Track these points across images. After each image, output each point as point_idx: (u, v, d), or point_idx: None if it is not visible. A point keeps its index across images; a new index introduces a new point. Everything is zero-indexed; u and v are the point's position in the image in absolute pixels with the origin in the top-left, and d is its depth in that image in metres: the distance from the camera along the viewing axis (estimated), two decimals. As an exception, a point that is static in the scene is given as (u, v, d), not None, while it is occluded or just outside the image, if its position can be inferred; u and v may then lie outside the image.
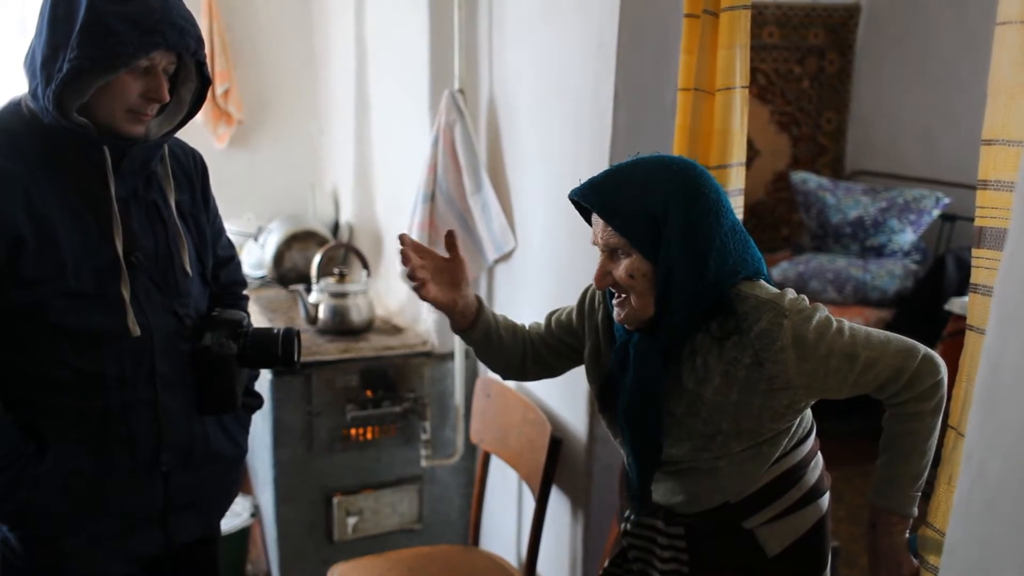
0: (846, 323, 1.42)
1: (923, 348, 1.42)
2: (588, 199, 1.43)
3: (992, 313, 0.90)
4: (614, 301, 1.47)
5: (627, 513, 1.63)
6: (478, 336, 1.64)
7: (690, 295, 1.39)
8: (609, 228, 1.41)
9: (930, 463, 1.45)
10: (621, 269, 1.41)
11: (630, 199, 1.40)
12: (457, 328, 1.64)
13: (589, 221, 1.51)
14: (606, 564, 1.71)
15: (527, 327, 1.73)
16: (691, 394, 1.45)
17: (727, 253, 1.41)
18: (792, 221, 5.00)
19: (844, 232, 4.32)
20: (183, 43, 1.44)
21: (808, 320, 1.39)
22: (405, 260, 1.57)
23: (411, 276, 1.56)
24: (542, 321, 1.73)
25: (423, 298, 1.57)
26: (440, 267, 1.60)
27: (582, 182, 1.46)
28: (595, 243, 1.46)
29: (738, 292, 1.43)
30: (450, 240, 1.61)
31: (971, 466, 0.94)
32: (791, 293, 1.43)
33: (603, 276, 1.44)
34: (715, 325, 1.42)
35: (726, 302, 1.41)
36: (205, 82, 1.58)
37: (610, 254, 1.43)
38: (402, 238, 1.59)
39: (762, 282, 1.47)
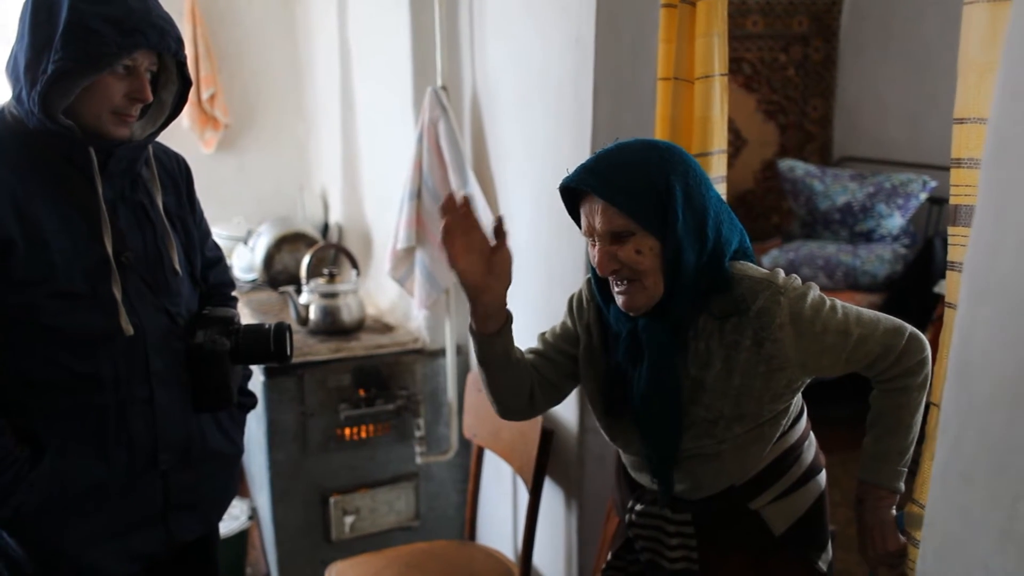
0: (838, 302, 1.44)
1: (909, 327, 1.45)
2: (586, 183, 1.39)
3: (962, 288, 0.91)
4: (617, 289, 1.43)
5: (630, 504, 1.62)
6: (500, 349, 1.50)
7: (695, 267, 1.39)
8: (611, 210, 1.37)
9: (916, 439, 1.48)
10: (628, 248, 1.38)
11: (631, 177, 1.37)
12: (481, 329, 1.48)
13: (573, 214, 1.48)
14: (609, 557, 1.70)
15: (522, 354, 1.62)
16: (693, 380, 1.46)
17: (721, 222, 1.42)
18: (782, 209, 5.02)
19: (833, 218, 4.33)
20: (164, 43, 1.46)
21: (803, 297, 1.41)
22: (444, 211, 1.42)
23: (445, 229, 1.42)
24: (534, 344, 1.63)
25: (452, 264, 1.43)
26: (483, 250, 1.44)
27: (569, 171, 1.42)
28: (589, 234, 1.42)
29: (733, 272, 1.44)
30: (498, 227, 1.45)
31: (947, 439, 0.95)
32: (782, 272, 1.45)
33: (608, 260, 1.39)
34: (714, 304, 1.43)
35: (724, 276, 1.42)
36: (186, 83, 1.59)
37: (612, 238, 1.39)
38: (450, 197, 1.43)
39: (750, 264, 1.48)
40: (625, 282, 1.41)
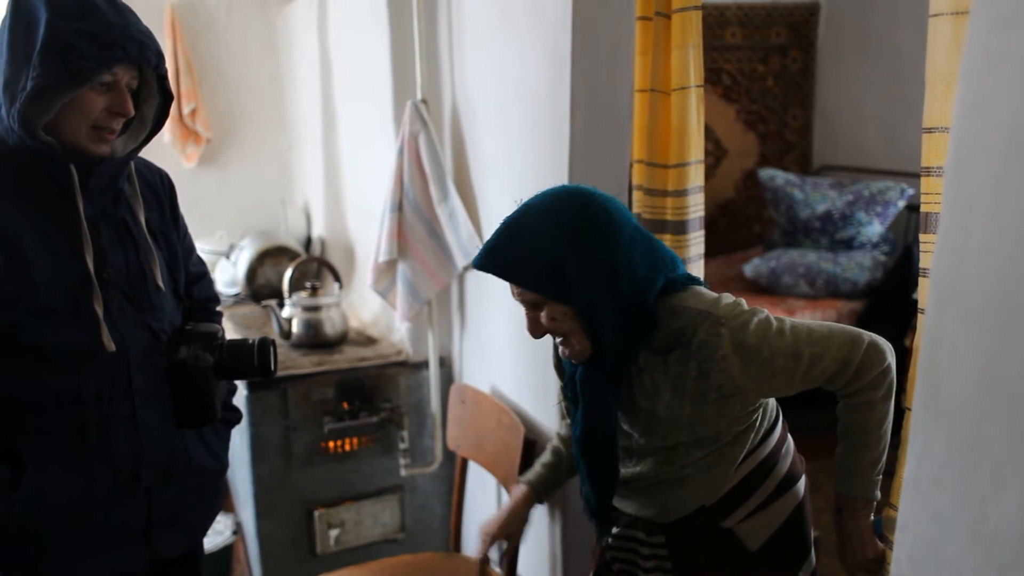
0: (787, 321, 1.43)
1: (868, 336, 1.44)
2: (487, 266, 1.45)
3: (929, 292, 0.93)
4: (557, 342, 1.51)
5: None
6: (553, 488, 1.85)
7: (614, 318, 1.41)
8: (517, 287, 1.45)
9: (887, 446, 1.49)
10: (544, 315, 1.45)
11: (526, 255, 1.42)
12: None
13: None
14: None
15: (559, 436, 1.86)
16: (646, 413, 1.48)
17: (635, 265, 1.42)
18: (763, 218, 5.05)
19: (813, 226, 4.37)
20: (144, 57, 1.46)
21: (746, 325, 1.40)
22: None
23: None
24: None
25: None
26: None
27: (479, 248, 1.49)
28: (516, 299, 1.50)
29: (672, 306, 1.44)
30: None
31: (917, 443, 0.97)
32: (727, 298, 1.45)
33: (534, 327, 1.48)
34: (656, 339, 1.44)
35: (652, 313, 1.43)
36: (168, 97, 1.59)
37: (531, 307, 1.47)
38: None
39: (696, 288, 1.48)
40: (560, 337, 1.48)
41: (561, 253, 1.39)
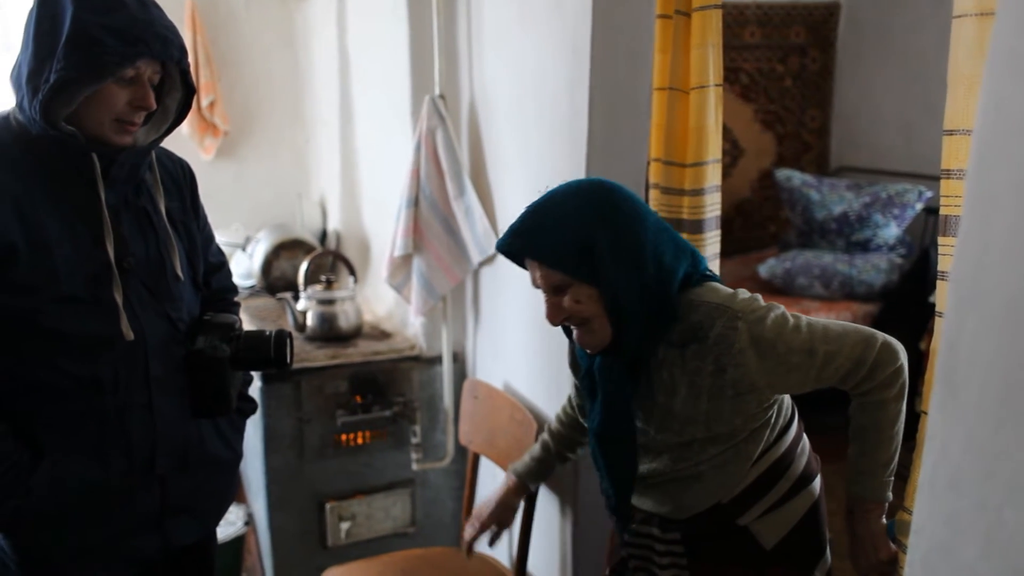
0: (803, 319, 1.43)
1: (881, 336, 1.44)
2: (514, 247, 1.46)
3: (949, 295, 0.92)
4: (576, 330, 1.49)
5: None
6: (545, 476, 1.95)
7: (639, 304, 1.41)
8: (544, 268, 1.44)
9: (899, 447, 1.49)
10: (567, 299, 1.44)
11: (554, 235, 1.42)
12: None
13: (523, 264, 1.53)
14: (607, 572, 1.73)
15: (555, 420, 1.91)
16: (661, 408, 1.48)
17: (660, 253, 1.43)
18: (779, 218, 5.03)
19: (829, 228, 4.35)
20: (167, 52, 1.48)
21: (763, 320, 1.40)
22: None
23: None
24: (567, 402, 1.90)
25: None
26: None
27: (502, 234, 1.49)
28: (536, 285, 1.49)
29: (689, 300, 1.45)
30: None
31: (934, 446, 0.96)
32: (743, 293, 1.45)
33: (555, 312, 1.47)
34: (674, 332, 1.44)
35: (674, 304, 1.44)
36: (190, 91, 1.60)
37: (554, 291, 1.46)
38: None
39: (713, 284, 1.49)
40: (580, 325, 1.47)
41: (591, 233, 1.40)
